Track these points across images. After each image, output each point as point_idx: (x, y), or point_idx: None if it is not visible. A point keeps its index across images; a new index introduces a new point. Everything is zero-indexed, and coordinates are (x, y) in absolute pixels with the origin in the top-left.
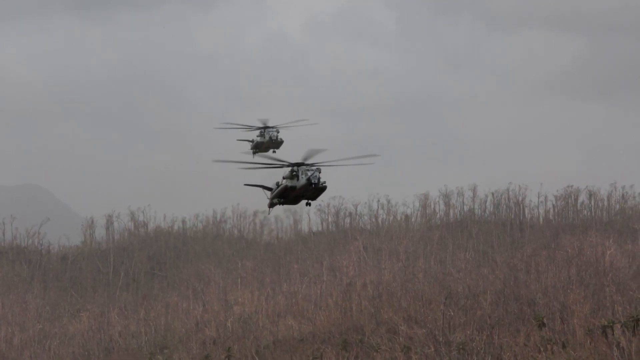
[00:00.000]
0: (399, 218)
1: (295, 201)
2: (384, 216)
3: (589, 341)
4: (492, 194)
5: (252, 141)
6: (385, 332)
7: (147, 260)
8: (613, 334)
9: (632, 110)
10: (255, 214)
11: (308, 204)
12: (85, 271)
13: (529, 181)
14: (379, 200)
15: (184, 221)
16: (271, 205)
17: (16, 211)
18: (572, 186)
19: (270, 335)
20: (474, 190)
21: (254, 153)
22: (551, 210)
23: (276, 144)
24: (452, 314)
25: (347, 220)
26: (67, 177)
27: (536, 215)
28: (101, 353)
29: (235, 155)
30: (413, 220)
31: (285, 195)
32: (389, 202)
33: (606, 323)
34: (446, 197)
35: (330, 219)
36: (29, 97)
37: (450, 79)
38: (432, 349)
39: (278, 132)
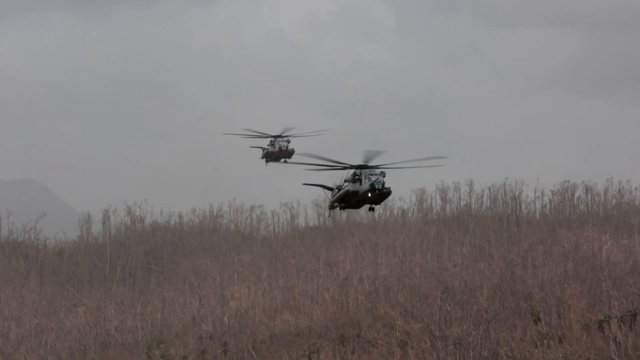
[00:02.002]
0: (395, 213)
1: (357, 206)
2: (381, 211)
3: (585, 336)
4: (489, 188)
5: (265, 148)
6: (382, 327)
7: (144, 255)
8: (610, 329)
9: (628, 106)
10: (251, 208)
11: (371, 209)
12: (81, 266)
13: (526, 176)
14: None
15: (180, 216)
16: (331, 207)
17: (12, 206)
18: (568, 181)
19: (267, 330)
20: (471, 185)
21: (267, 162)
22: (548, 205)
23: (287, 154)
24: (448, 308)
25: (344, 215)
26: (64, 172)
27: (533, 210)
28: (98, 348)
29: (236, 155)
30: (410, 215)
31: (347, 200)
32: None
33: (603, 318)
34: (443, 192)
35: (326, 214)
36: (26, 93)
37: (449, 75)
38: (429, 344)
39: (289, 142)
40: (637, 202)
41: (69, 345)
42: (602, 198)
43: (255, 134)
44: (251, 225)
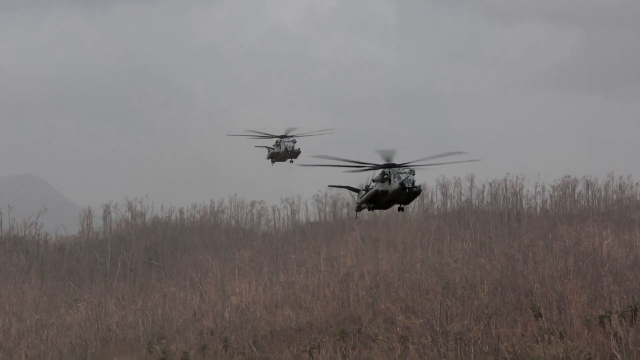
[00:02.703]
0: (396, 208)
1: (386, 206)
2: None
3: (586, 331)
4: (490, 184)
5: (271, 148)
6: (383, 322)
7: (145, 251)
8: (610, 324)
9: (629, 103)
10: (252, 204)
11: (400, 209)
12: (82, 261)
13: (527, 172)
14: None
15: (181, 211)
16: (358, 209)
17: (13, 201)
18: (569, 176)
19: (268, 326)
20: (472, 180)
21: (272, 162)
22: (548, 201)
23: (293, 154)
24: (449, 304)
25: (345, 210)
26: (65, 168)
27: (533, 206)
28: (98, 343)
29: (237, 157)
30: (410, 210)
31: (376, 200)
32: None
33: (603, 313)
34: (443, 187)
35: (327, 209)
36: (26, 89)
37: (450, 71)
38: (430, 339)
39: (295, 142)
40: (637, 198)
41: (69, 340)
42: (603, 193)
43: (260, 134)
44: (252, 220)
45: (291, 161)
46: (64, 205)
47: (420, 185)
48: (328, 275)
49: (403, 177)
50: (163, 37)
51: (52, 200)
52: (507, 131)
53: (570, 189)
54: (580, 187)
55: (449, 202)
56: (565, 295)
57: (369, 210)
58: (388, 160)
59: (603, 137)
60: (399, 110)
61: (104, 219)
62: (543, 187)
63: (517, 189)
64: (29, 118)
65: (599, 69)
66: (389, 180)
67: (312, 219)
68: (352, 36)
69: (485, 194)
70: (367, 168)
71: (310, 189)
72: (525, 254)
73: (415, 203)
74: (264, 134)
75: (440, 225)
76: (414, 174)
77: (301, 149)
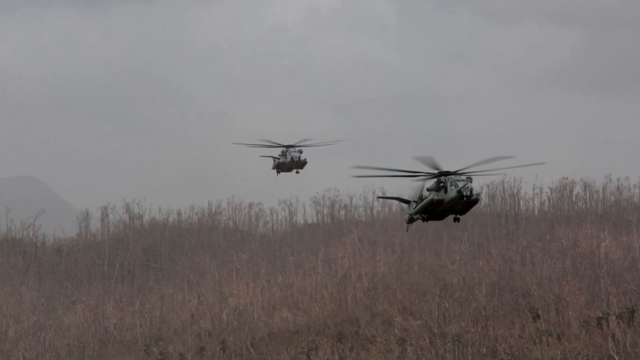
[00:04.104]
0: (394, 210)
1: (441, 216)
2: (379, 208)
3: (584, 333)
4: (487, 185)
5: (277, 158)
6: (381, 324)
7: (142, 252)
8: (608, 326)
9: (628, 104)
10: (250, 206)
11: (456, 220)
12: (80, 263)
13: (524, 173)
14: (374, 192)
15: (179, 213)
16: (410, 220)
17: (11, 203)
18: (567, 178)
19: (265, 327)
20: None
21: (278, 172)
22: (546, 202)
23: (299, 164)
24: (447, 305)
25: (343, 212)
26: (63, 169)
27: (531, 207)
28: (96, 345)
29: (236, 158)
30: None
31: (431, 211)
32: (384, 194)
33: (601, 315)
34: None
35: (325, 211)
36: (26, 89)
37: (449, 71)
38: (427, 341)
39: (301, 152)
40: (635, 199)
41: (67, 342)
42: (601, 195)
43: (267, 143)
44: (250, 222)
45: (297, 172)
46: (61, 207)
47: (479, 194)
48: (326, 277)
49: (460, 184)
50: (163, 37)
51: (50, 202)
52: (506, 131)
53: (568, 191)
54: (577, 189)
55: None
56: (563, 297)
57: (422, 221)
58: (436, 168)
59: (602, 137)
60: (398, 111)
61: (102, 220)
62: (541, 189)
63: (515, 191)
64: (28, 119)
65: (598, 69)
66: (445, 188)
67: (309, 220)
68: (352, 36)
69: (482, 195)
70: (421, 177)
71: (308, 190)
72: (523, 256)
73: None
74: (272, 142)
75: (438, 227)
76: (471, 182)
77: (307, 157)
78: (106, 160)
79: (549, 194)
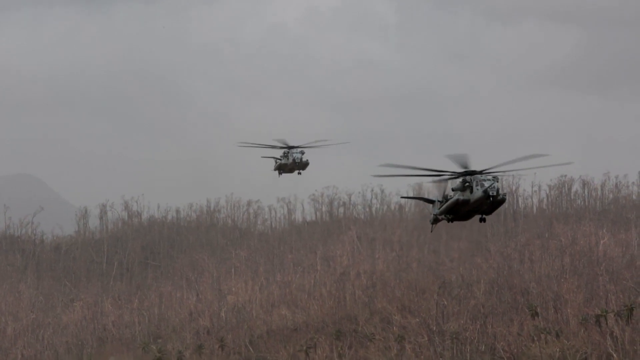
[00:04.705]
0: (392, 207)
1: (467, 217)
2: (378, 206)
3: (582, 330)
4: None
5: (278, 159)
6: (379, 322)
7: (141, 250)
8: (607, 323)
9: (627, 103)
10: (248, 203)
11: (482, 220)
12: (78, 261)
13: (523, 171)
14: (372, 190)
15: (177, 211)
16: (435, 221)
17: (10, 201)
18: (565, 176)
19: (264, 325)
20: None
21: (279, 174)
22: (545, 200)
23: (301, 165)
24: (445, 303)
25: (341, 210)
26: (61, 167)
27: (530, 205)
28: (95, 343)
29: (235, 157)
30: (407, 209)
31: (456, 211)
32: (382, 191)
33: (600, 312)
34: (439, 186)
35: (324, 209)
36: (24, 87)
37: (449, 70)
38: (426, 339)
39: (303, 153)
40: (634, 197)
41: (65, 340)
42: (599, 193)
43: (270, 144)
44: (248, 220)
45: (299, 173)
46: (60, 205)
47: (505, 194)
48: (324, 274)
49: (487, 184)
50: (163, 36)
51: (49, 200)
52: (506, 130)
53: (566, 188)
54: (576, 187)
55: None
56: (562, 295)
57: (448, 221)
58: (465, 167)
59: (602, 136)
60: (398, 110)
61: (101, 218)
62: (539, 186)
63: (514, 188)
64: (27, 117)
65: (597, 68)
66: (471, 188)
67: (308, 218)
68: (352, 36)
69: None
70: (446, 176)
71: (307, 188)
72: (521, 253)
73: (411, 202)
74: (275, 143)
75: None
76: (497, 181)
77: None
78: (104, 158)
79: (548, 192)
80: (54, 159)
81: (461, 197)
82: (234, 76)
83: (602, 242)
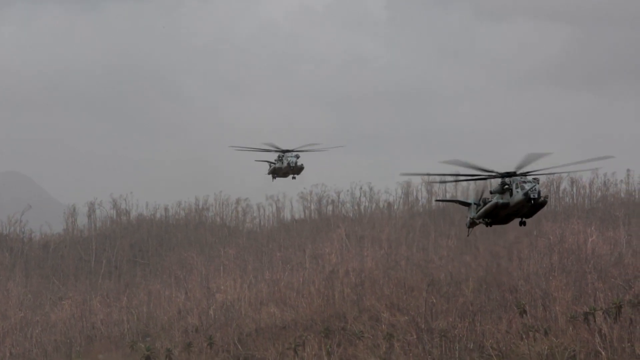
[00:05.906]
0: (381, 205)
1: (506, 220)
2: (367, 204)
3: (570, 328)
4: (475, 181)
5: (272, 163)
6: (368, 320)
7: (130, 248)
8: (595, 321)
9: (619, 100)
10: (237, 201)
11: (522, 224)
12: (67, 259)
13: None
14: (361, 188)
15: (166, 209)
16: (471, 225)
17: None
18: (554, 173)
19: (253, 323)
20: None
21: (273, 178)
22: None
23: (295, 170)
24: (434, 301)
25: (330, 207)
26: (49, 165)
27: None
28: (83, 341)
29: (229, 155)
30: (395, 207)
31: (495, 214)
32: (371, 189)
33: (588, 310)
34: (428, 184)
35: (312, 207)
36: (14, 85)
37: (441, 68)
38: (415, 336)
39: (298, 157)
40: (622, 195)
41: (54, 338)
42: (588, 190)
43: (264, 147)
44: (237, 218)
45: (294, 177)
46: (48, 203)
47: (547, 195)
48: (313, 272)
49: (527, 186)
50: (157, 34)
51: (37, 198)
52: (497, 128)
53: (555, 186)
54: (565, 184)
55: (433, 199)
56: (550, 292)
57: (486, 225)
58: (520, 168)
59: (590, 134)
60: (391, 108)
61: (89, 216)
62: None
63: None
64: (14, 114)
65: (588, 66)
66: (510, 191)
67: (297, 216)
68: (345, 33)
69: (470, 191)
70: (483, 178)
71: (295, 186)
72: (510, 251)
73: (400, 200)
74: (269, 147)
75: (425, 222)
76: (538, 183)
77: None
78: (93, 155)
79: None
80: (42, 156)
81: (500, 201)
82: (227, 73)
83: (590, 240)
